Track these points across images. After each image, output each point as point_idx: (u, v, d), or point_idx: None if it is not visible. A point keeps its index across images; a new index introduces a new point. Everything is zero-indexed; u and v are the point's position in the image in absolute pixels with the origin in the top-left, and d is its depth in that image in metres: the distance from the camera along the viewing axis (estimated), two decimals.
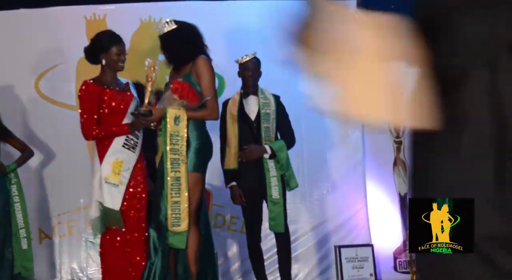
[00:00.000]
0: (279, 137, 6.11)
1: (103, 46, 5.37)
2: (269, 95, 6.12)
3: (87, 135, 5.32)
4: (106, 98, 5.31)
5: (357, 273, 6.79)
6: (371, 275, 6.82)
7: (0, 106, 6.18)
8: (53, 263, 6.91)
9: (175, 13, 7.02)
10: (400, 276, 7.13)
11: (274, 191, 5.91)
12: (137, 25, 6.99)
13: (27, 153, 6.29)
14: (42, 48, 7.00)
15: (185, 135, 5.06)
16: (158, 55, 5.74)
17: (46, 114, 7.02)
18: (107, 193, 5.24)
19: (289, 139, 6.12)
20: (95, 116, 5.29)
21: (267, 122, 6.01)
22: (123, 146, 5.30)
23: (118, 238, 5.30)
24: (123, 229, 5.28)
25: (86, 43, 6.87)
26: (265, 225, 6.08)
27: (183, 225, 5.03)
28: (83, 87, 5.34)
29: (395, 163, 7.28)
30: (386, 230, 7.15)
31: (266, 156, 5.91)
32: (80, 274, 6.92)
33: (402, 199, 7.12)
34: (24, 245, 6.12)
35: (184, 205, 5.02)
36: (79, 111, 5.37)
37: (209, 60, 5.30)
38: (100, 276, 5.41)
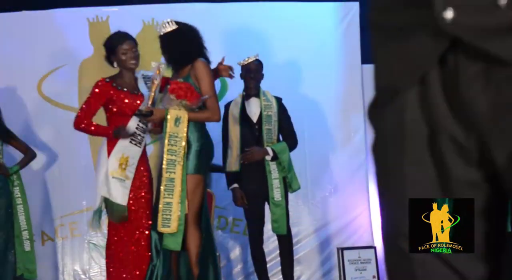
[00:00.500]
0: (281, 139, 6.11)
1: (110, 49, 5.41)
2: (271, 97, 6.13)
3: (76, 124, 5.38)
4: (115, 98, 5.33)
5: (359, 275, 6.78)
6: (374, 277, 6.81)
7: (2, 108, 6.18)
8: (55, 265, 6.92)
9: (177, 15, 7.02)
10: None
11: (276, 193, 5.91)
12: (139, 27, 6.99)
13: (29, 155, 6.29)
14: (45, 50, 7.01)
15: (185, 136, 5.07)
16: (161, 57, 5.75)
17: (48, 116, 7.03)
18: (114, 188, 5.25)
19: (291, 141, 6.12)
20: (93, 112, 5.35)
21: (269, 124, 6.02)
22: (130, 142, 5.32)
23: (121, 250, 5.33)
24: (126, 224, 5.30)
25: (89, 45, 6.89)
26: (267, 227, 6.09)
27: (173, 227, 5.02)
28: (98, 83, 5.38)
29: None
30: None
31: (268, 158, 5.92)
32: (83, 276, 6.92)
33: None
34: (27, 247, 6.13)
35: (176, 207, 5.02)
36: (86, 99, 5.43)
37: (207, 63, 5.30)
38: (102, 278, 5.42)
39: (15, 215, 6.07)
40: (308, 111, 7.11)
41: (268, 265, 6.29)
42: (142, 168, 5.41)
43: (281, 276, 6.20)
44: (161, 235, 5.13)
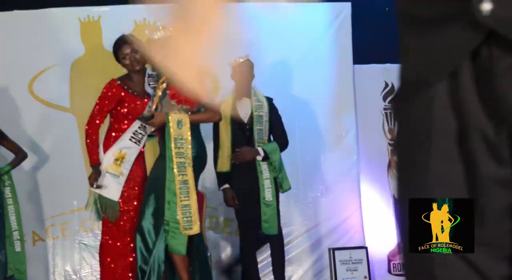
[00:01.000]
0: (271, 139, 6.12)
1: (115, 54, 5.44)
2: (262, 97, 6.13)
3: (87, 126, 5.39)
4: (125, 100, 5.35)
5: (351, 276, 6.79)
6: (365, 277, 6.82)
7: None
8: (46, 265, 6.89)
9: (169, 15, 7.03)
10: (394, 278, 7.14)
11: (267, 193, 5.91)
12: (131, 27, 6.97)
13: (20, 155, 6.27)
14: (36, 49, 6.98)
15: (189, 138, 5.07)
16: None
17: (40, 116, 7.00)
18: (108, 183, 5.25)
19: (282, 141, 6.12)
20: (104, 115, 5.37)
21: (260, 124, 6.02)
22: (130, 139, 5.33)
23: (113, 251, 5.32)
24: (117, 222, 5.29)
25: (81, 44, 6.86)
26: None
27: (195, 228, 5.03)
28: (108, 85, 5.39)
29: (389, 166, 7.29)
30: (380, 233, 7.15)
31: (259, 158, 5.92)
32: (74, 277, 6.90)
33: (396, 201, 7.13)
34: (18, 248, 6.11)
35: (194, 208, 5.02)
36: (96, 101, 5.43)
37: None
38: (93, 278, 5.41)
39: (6, 216, 6.05)
40: (299, 112, 7.11)
41: (259, 266, 6.29)
42: (137, 168, 5.40)
43: (272, 277, 6.20)
44: (143, 237, 5.13)
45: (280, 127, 6.18)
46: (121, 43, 5.40)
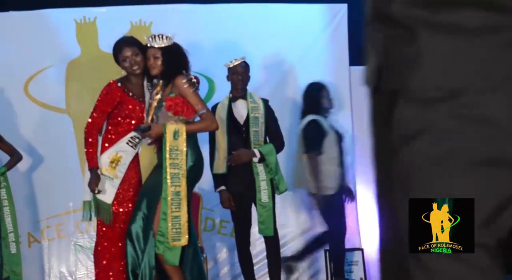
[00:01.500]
0: (267, 141, 6.11)
1: (115, 57, 5.35)
2: (257, 99, 6.13)
3: (86, 129, 5.30)
4: (122, 103, 5.28)
5: (347, 277, 6.78)
6: (361, 279, 6.82)
7: None
8: (42, 267, 6.88)
9: (165, 16, 7.04)
10: None
11: (264, 195, 5.91)
12: (127, 28, 6.96)
13: (16, 157, 6.26)
14: (32, 50, 6.96)
15: (185, 149, 5.04)
16: None
17: (35, 117, 6.99)
18: (102, 186, 5.22)
19: (278, 143, 6.12)
20: (103, 116, 5.28)
21: (256, 126, 6.02)
22: (127, 143, 5.29)
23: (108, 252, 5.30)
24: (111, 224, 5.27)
25: (77, 45, 6.85)
26: (254, 229, 6.08)
27: (183, 240, 5.01)
28: (107, 87, 5.31)
29: None
30: (376, 234, 7.13)
31: (255, 160, 5.92)
32: (69, 278, 6.89)
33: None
34: (13, 250, 6.09)
35: (184, 219, 5.00)
36: (96, 103, 5.34)
37: (187, 75, 5.18)
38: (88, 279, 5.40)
39: (1, 217, 6.03)
40: (295, 113, 7.10)
41: (255, 267, 6.29)
42: (132, 170, 5.38)
43: (268, 278, 6.19)
44: (132, 242, 5.13)
45: (276, 129, 6.18)
46: (121, 45, 5.33)
